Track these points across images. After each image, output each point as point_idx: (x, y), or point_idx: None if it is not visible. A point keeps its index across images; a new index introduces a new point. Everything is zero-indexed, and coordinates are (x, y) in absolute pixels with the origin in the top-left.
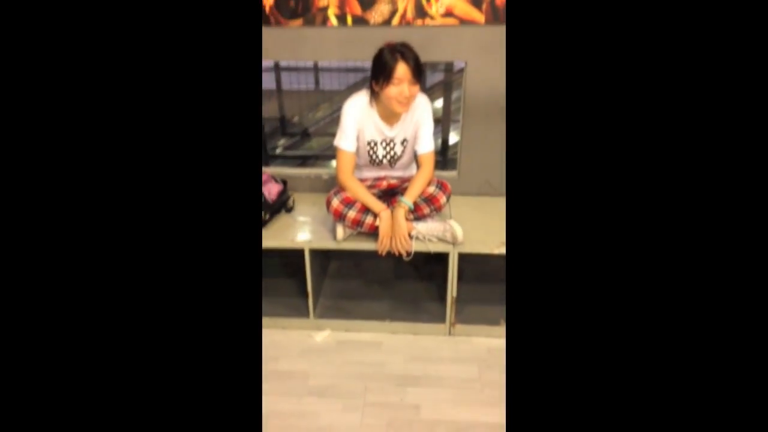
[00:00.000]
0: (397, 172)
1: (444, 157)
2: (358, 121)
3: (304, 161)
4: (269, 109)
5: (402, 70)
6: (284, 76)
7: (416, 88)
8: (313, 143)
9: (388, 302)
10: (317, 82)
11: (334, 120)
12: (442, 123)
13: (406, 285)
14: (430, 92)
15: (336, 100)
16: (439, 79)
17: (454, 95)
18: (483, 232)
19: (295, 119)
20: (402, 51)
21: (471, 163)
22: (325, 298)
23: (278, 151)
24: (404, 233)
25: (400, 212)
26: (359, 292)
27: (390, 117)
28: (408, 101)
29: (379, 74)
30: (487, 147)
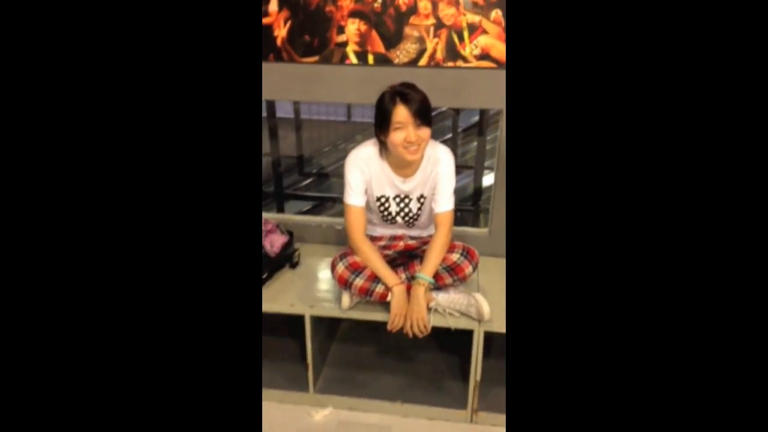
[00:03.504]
0: (414, 232)
1: (476, 207)
2: (364, 173)
3: (321, 203)
4: (286, 146)
5: (401, 113)
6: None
7: (424, 130)
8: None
9: (401, 378)
10: (349, 115)
11: None
12: (474, 169)
13: (424, 357)
14: (464, 135)
15: (367, 133)
16: (475, 120)
17: (488, 138)
18: None
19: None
20: (402, 93)
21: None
22: (329, 367)
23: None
24: (422, 314)
25: (420, 290)
26: (369, 363)
27: (403, 168)
28: (417, 146)
29: (380, 121)
30: None
